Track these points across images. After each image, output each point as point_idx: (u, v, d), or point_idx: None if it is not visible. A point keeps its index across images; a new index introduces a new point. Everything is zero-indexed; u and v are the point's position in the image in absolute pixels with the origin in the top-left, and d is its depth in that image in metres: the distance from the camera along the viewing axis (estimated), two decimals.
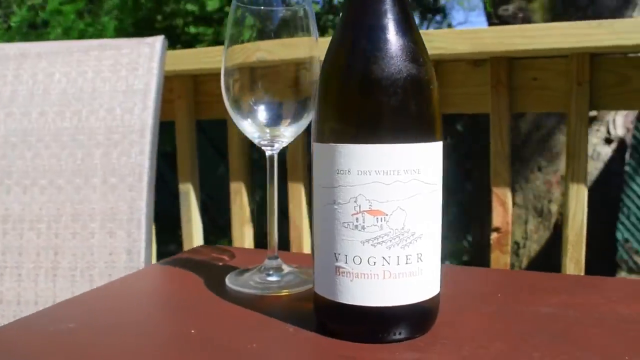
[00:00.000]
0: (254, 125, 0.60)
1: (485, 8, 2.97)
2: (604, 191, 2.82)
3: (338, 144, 0.44)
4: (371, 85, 0.43)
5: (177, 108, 1.36)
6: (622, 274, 3.82)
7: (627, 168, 3.86)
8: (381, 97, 0.43)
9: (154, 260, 1.18)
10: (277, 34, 0.58)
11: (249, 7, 0.59)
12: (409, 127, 0.44)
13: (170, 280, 0.63)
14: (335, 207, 0.45)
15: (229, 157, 1.31)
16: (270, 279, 0.61)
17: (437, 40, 1.11)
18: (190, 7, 3.32)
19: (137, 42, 1.12)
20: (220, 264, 0.69)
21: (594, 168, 2.70)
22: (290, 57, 0.59)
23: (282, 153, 0.63)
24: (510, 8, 2.97)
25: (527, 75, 1.15)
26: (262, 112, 0.59)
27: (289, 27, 0.59)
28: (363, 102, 0.44)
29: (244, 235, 1.32)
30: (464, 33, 1.14)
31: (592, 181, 2.35)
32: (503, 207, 1.18)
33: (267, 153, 0.61)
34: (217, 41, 3.53)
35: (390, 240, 0.44)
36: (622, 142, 2.78)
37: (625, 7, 2.44)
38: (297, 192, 1.29)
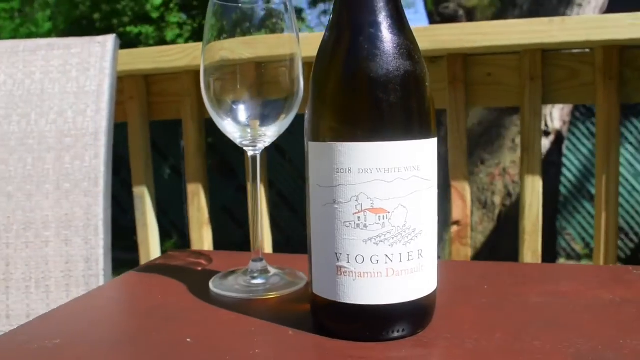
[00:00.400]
0: (235, 125, 0.58)
1: (426, 6, 3.03)
2: (543, 182, 2.94)
3: (337, 143, 0.43)
4: (372, 83, 0.43)
5: (130, 109, 1.31)
6: (561, 261, 3.99)
7: (563, 159, 4.04)
8: (382, 95, 0.43)
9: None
10: (257, 31, 0.57)
11: (227, 5, 0.57)
12: (409, 124, 0.44)
13: (150, 289, 0.60)
14: (336, 206, 0.44)
15: (185, 158, 1.28)
16: (255, 281, 0.60)
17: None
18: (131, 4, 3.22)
19: (88, 41, 1.07)
20: (199, 268, 0.67)
21: None
22: (271, 54, 0.57)
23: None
24: (451, 6, 3.04)
25: (482, 71, 1.18)
26: (243, 111, 0.57)
27: (268, 24, 0.57)
28: (364, 100, 0.43)
29: (202, 237, 1.29)
30: (422, 30, 1.15)
31: None
32: (462, 201, 1.21)
33: (249, 153, 0.60)
34: (164, 41, 3.44)
35: (393, 238, 0.44)
36: (559, 135, 2.91)
37: (564, 6, 2.54)
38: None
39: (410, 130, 0.44)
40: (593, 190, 4.19)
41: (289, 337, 0.46)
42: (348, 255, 0.44)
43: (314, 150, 0.45)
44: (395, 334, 0.45)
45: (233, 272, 0.62)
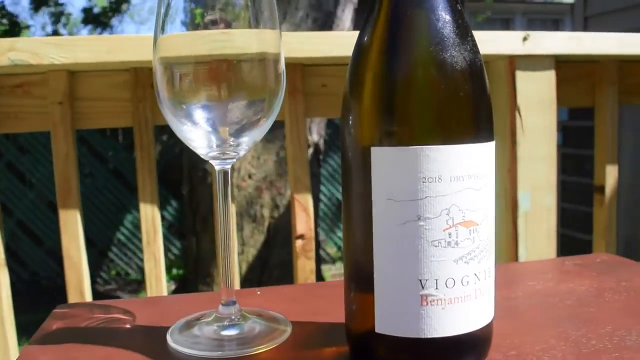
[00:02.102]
0: (199, 133, 0.45)
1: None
2: None
3: (424, 146, 0.36)
4: (464, 77, 0.37)
5: None
6: (323, 266, 4.26)
7: (322, 170, 4.32)
8: (473, 90, 0.37)
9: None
10: (225, 23, 0.46)
11: None
12: (490, 123, 0.39)
13: (88, 348, 0.43)
14: (421, 223, 0.37)
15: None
16: (227, 332, 0.47)
17: (237, 40, 1.04)
18: None
19: None
20: (127, 325, 0.50)
21: None
22: (247, 50, 0.46)
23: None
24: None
25: (318, 82, 1.17)
26: (209, 117, 0.45)
27: (239, 16, 0.46)
28: (457, 96, 0.37)
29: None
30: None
31: None
32: (306, 214, 1.18)
33: (217, 167, 0.47)
34: None
35: (481, 253, 0.38)
36: (317, 147, 3.10)
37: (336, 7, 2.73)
38: (71, 222, 1.04)
39: (490, 130, 0.39)
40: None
41: None
42: (436, 280, 0.37)
43: (383, 156, 0.37)
44: None
45: (197, 320, 0.48)
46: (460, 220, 0.37)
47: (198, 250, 3.13)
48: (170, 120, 0.45)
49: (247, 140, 0.47)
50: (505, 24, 7.99)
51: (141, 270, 4.64)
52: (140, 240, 4.53)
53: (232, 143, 0.46)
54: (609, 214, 1.19)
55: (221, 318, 0.48)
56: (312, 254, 1.19)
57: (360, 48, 0.40)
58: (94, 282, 4.10)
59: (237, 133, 0.46)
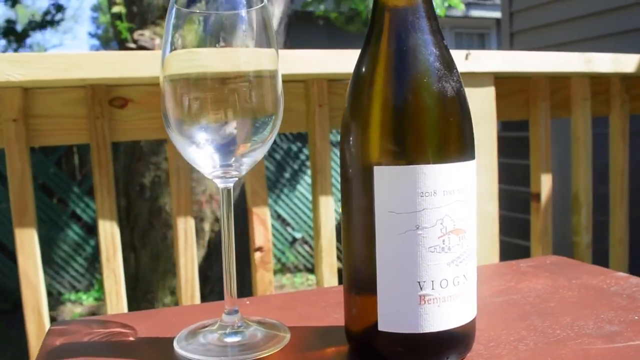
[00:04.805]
0: (204, 153, 0.48)
1: (120, 34, 2.89)
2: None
3: (422, 165, 0.41)
4: (456, 103, 0.43)
5: None
6: None
7: None
8: (461, 116, 0.43)
9: None
10: (227, 42, 0.49)
11: (192, 12, 0.48)
12: (472, 144, 0.45)
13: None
14: (419, 232, 0.42)
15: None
16: (231, 339, 0.50)
17: (202, 59, 1.06)
18: None
19: None
20: (131, 337, 0.52)
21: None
22: (252, 69, 0.50)
23: None
24: (147, 33, 2.99)
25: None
26: (214, 137, 0.48)
27: (246, 36, 0.50)
28: (449, 121, 0.43)
29: None
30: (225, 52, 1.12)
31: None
32: (264, 226, 1.21)
33: (221, 186, 0.50)
34: None
35: (468, 256, 0.44)
36: None
37: None
38: (28, 241, 1.03)
39: (472, 150, 0.45)
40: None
41: None
42: (432, 281, 0.42)
43: (385, 175, 0.42)
44: (469, 353, 0.45)
45: (199, 329, 0.51)
46: (452, 228, 0.43)
47: (137, 266, 3.07)
48: (176, 140, 0.48)
49: (249, 161, 0.50)
50: None
51: (74, 287, 4.47)
52: (73, 257, 4.37)
53: (234, 163, 0.50)
54: (544, 220, 1.29)
55: (224, 326, 0.51)
56: (271, 265, 1.22)
57: (360, 77, 0.45)
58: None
59: (241, 154, 0.49)
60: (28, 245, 1.03)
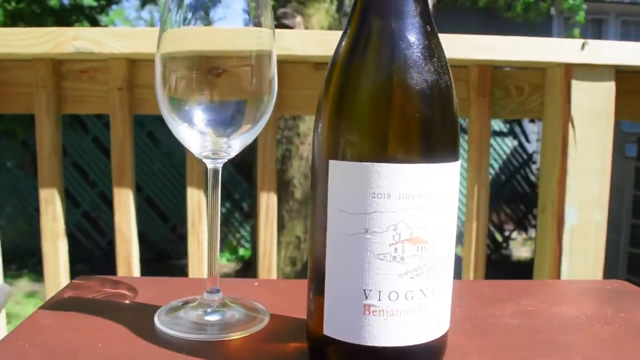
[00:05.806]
0: (194, 132, 0.49)
1: None
2: None
3: (375, 163, 0.38)
4: (424, 96, 0.38)
5: None
6: None
7: None
8: (432, 111, 0.38)
9: None
10: (222, 20, 0.49)
11: None
12: (453, 144, 0.40)
13: (78, 330, 0.48)
14: (368, 236, 0.38)
15: (38, 160, 1.08)
16: (210, 318, 0.50)
17: (287, 41, 1.07)
18: None
19: None
20: (126, 301, 0.55)
21: None
22: (246, 49, 0.49)
23: None
24: (289, 11, 3.07)
25: None
26: (204, 117, 0.48)
27: (236, 15, 0.49)
28: (413, 116, 0.38)
29: (58, 250, 1.10)
30: (315, 35, 1.12)
31: None
32: None
33: (209, 166, 0.51)
34: None
35: (429, 270, 0.39)
36: None
37: None
38: (125, 199, 1.12)
39: (453, 151, 0.40)
40: None
41: None
42: (380, 292, 0.39)
43: (338, 170, 0.39)
44: None
45: (181, 305, 0.52)
46: (408, 237, 0.38)
47: None
48: (167, 118, 0.49)
49: (239, 142, 0.50)
50: (597, 26, 7.46)
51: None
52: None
53: (224, 144, 0.49)
54: None
55: (204, 304, 0.51)
56: None
57: (331, 62, 0.42)
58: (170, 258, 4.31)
59: (233, 135, 0.49)
60: (124, 203, 1.13)
